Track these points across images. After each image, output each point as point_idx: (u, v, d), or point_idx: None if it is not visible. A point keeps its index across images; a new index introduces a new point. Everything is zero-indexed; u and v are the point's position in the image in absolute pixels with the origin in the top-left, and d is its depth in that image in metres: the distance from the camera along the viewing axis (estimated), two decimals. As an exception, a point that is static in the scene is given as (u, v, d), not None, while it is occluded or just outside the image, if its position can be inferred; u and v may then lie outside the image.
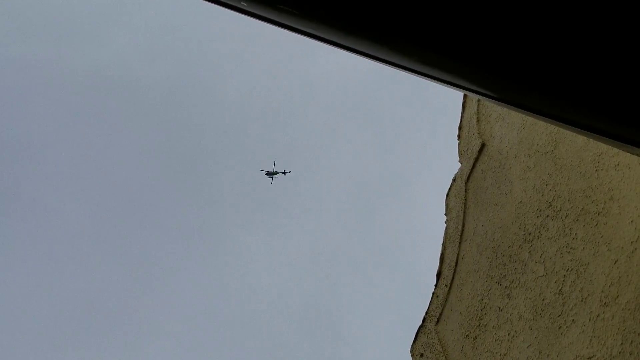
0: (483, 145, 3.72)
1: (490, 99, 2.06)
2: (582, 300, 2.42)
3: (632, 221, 2.28)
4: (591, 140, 2.60)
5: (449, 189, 4.04)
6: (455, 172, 4.03)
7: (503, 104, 2.10)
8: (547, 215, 2.83)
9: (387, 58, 1.87)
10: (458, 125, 4.20)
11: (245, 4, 1.78)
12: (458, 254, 3.53)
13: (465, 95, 4.05)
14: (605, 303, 2.29)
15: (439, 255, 3.76)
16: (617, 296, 2.24)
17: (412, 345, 3.59)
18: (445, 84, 1.98)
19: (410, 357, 3.55)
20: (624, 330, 2.16)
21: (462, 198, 3.75)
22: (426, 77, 1.96)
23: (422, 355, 3.48)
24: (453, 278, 3.48)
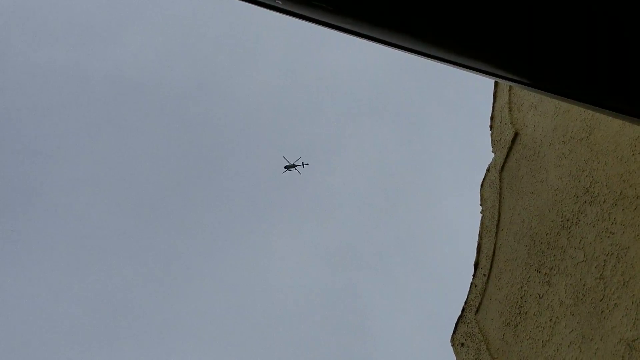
0: (516, 134, 3.73)
1: (524, 86, 2.08)
2: (623, 284, 2.43)
3: (671, 203, 2.30)
4: (627, 124, 2.61)
5: (483, 179, 4.04)
6: (489, 163, 4.03)
7: (537, 90, 2.12)
8: (585, 201, 2.83)
9: (419, 48, 1.89)
10: (490, 115, 4.20)
11: (280, 2, 1.82)
12: (495, 244, 3.54)
13: (496, 85, 4.06)
14: (647, 285, 2.31)
15: (476, 245, 3.76)
16: (659, 278, 2.26)
17: (452, 336, 3.60)
18: (478, 72, 2.00)
19: (452, 347, 3.57)
20: (667, 311, 2.18)
21: (497, 188, 3.76)
22: (458, 66, 1.98)
23: (462, 345, 3.49)
24: (491, 267, 3.49)
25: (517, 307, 3.14)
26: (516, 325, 3.09)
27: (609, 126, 2.75)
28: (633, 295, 2.36)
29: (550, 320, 2.84)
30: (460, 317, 3.64)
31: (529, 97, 3.64)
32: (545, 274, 2.98)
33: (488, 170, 4.04)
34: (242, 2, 1.95)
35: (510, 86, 3.83)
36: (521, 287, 3.15)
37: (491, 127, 4.15)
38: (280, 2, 1.83)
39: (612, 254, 2.55)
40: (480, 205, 3.96)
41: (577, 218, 2.85)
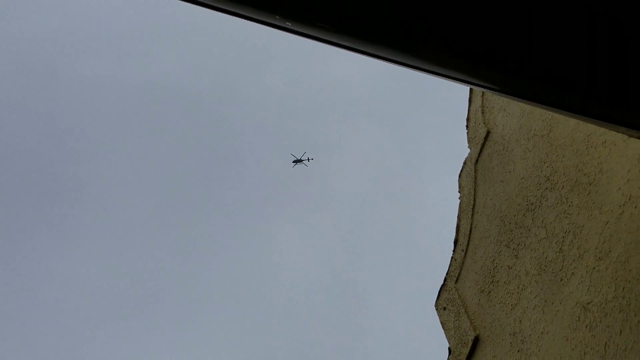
0: (488, 133, 3.73)
1: (494, 92, 2.08)
2: (579, 257, 2.44)
3: (619, 188, 2.30)
4: (581, 122, 2.62)
5: (461, 170, 4.05)
6: (466, 157, 4.04)
7: (505, 95, 2.12)
8: (546, 188, 2.84)
9: (406, 62, 1.89)
10: (466, 117, 4.21)
11: (289, 24, 1.82)
12: (471, 224, 3.55)
13: (471, 91, 4.06)
14: (599, 257, 2.30)
15: (455, 226, 3.77)
16: (609, 251, 2.25)
17: (436, 301, 3.61)
18: (456, 81, 2.00)
19: (435, 311, 3.59)
20: (616, 279, 2.17)
21: (472, 177, 3.77)
22: (440, 76, 1.98)
23: (445, 308, 3.51)
24: (468, 244, 3.50)
25: (490, 276, 3.15)
26: (489, 292, 3.10)
27: (566, 124, 2.76)
28: (587, 265, 2.37)
29: (517, 288, 2.85)
30: (442, 285, 3.65)
31: (498, 101, 3.64)
32: (513, 248, 3.00)
33: (465, 162, 4.05)
34: (257, 24, 1.94)
35: (483, 92, 3.83)
36: (493, 260, 3.17)
37: (467, 126, 4.15)
38: (290, 24, 1.82)
39: (569, 231, 2.56)
40: (459, 192, 3.97)
41: (539, 202, 2.86)
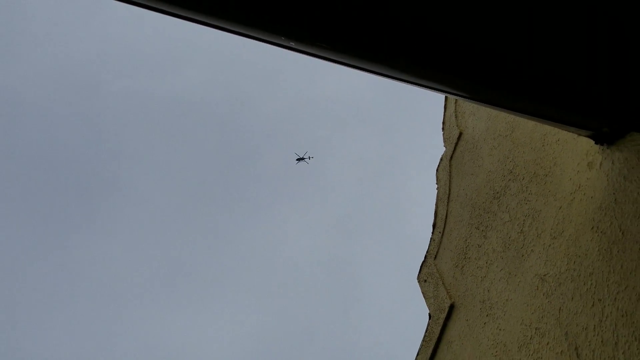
0: (460, 134, 3.73)
1: (465, 99, 2.08)
2: (537, 236, 2.44)
3: (570, 179, 2.30)
4: (538, 124, 2.61)
5: (438, 165, 4.04)
6: (442, 154, 4.03)
7: (474, 101, 2.12)
8: (509, 179, 2.84)
9: (393, 75, 1.89)
10: (442, 120, 4.20)
11: (293, 44, 1.81)
12: (447, 210, 3.55)
13: (446, 99, 4.05)
14: (554, 237, 2.31)
15: (434, 211, 3.77)
16: (563, 231, 2.25)
17: (418, 275, 3.62)
18: (434, 90, 2.00)
19: (418, 283, 3.59)
20: (568, 254, 2.17)
21: (448, 171, 3.77)
22: (420, 87, 1.98)
23: (425, 281, 3.51)
24: (444, 227, 3.50)
25: (463, 253, 3.15)
26: (462, 267, 3.10)
27: (526, 126, 2.75)
28: (544, 243, 2.37)
29: (486, 263, 2.85)
30: (423, 262, 3.65)
31: (469, 107, 3.64)
32: (482, 230, 2.99)
33: (441, 159, 4.04)
34: (264, 43, 1.92)
35: (455, 100, 3.82)
36: (465, 240, 3.17)
37: (443, 129, 4.15)
38: (293, 44, 1.82)
39: (529, 215, 2.56)
40: (436, 183, 3.96)
41: (504, 191, 2.86)
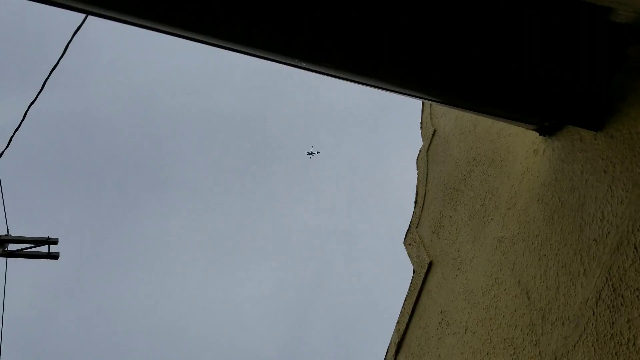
0: (435, 131, 3.74)
1: (438, 103, 2.12)
2: (495, 208, 2.48)
3: (520, 163, 2.33)
4: (495, 121, 2.65)
5: (418, 156, 4.06)
6: (421, 147, 4.06)
7: (445, 105, 2.16)
8: (473, 165, 2.86)
9: (383, 87, 1.93)
10: (420, 121, 4.21)
11: (304, 64, 1.85)
12: (425, 190, 3.58)
13: (423, 104, 4.07)
14: (508, 208, 2.34)
15: (415, 191, 3.81)
16: (515, 203, 2.29)
17: (404, 240, 3.66)
18: (414, 98, 2.04)
19: (404, 246, 3.64)
20: (520, 221, 2.22)
21: (425, 160, 3.79)
22: (404, 95, 2.01)
23: (410, 244, 3.55)
24: (424, 203, 3.53)
25: (438, 222, 3.19)
26: (438, 232, 3.15)
27: (485, 123, 2.78)
28: (501, 213, 2.40)
29: (456, 229, 2.89)
30: (407, 230, 3.69)
31: (441, 110, 3.65)
32: (453, 204, 3.03)
33: (420, 151, 4.06)
34: (278, 63, 1.94)
35: (430, 104, 3.84)
36: (440, 212, 3.20)
37: (421, 127, 4.16)
38: (304, 64, 1.86)
39: (488, 192, 2.59)
40: (417, 170, 3.99)
41: (469, 174, 2.89)
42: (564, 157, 1.99)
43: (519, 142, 2.37)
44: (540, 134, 2.15)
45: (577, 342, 1.65)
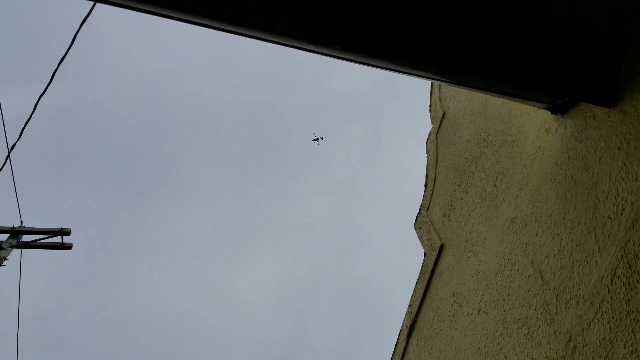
0: (444, 113, 3.72)
1: (448, 84, 2.09)
2: (507, 188, 2.46)
3: (532, 142, 2.31)
4: (505, 100, 2.62)
5: (427, 139, 4.04)
6: (430, 130, 4.04)
7: (455, 85, 2.13)
8: (484, 146, 2.85)
9: (395, 68, 1.91)
10: (429, 104, 4.19)
11: (312, 47, 1.84)
12: (435, 173, 3.57)
13: (432, 86, 4.03)
14: (520, 188, 2.33)
15: (425, 174, 3.80)
16: (527, 183, 2.28)
17: (414, 223, 3.65)
18: (424, 79, 2.02)
19: (414, 230, 3.63)
20: (532, 201, 2.21)
21: (435, 143, 3.77)
22: (412, 75, 1.99)
23: (420, 228, 3.55)
24: (434, 185, 3.52)
25: (449, 205, 3.18)
26: (449, 215, 3.14)
27: (495, 103, 2.76)
28: (513, 194, 2.39)
29: (467, 212, 2.88)
30: (418, 213, 3.68)
31: (450, 91, 3.63)
32: (463, 187, 3.02)
33: (429, 134, 4.04)
34: (291, 48, 1.93)
35: (439, 85, 3.81)
36: (451, 195, 3.19)
37: (430, 110, 4.13)
38: (312, 47, 1.84)
39: (500, 172, 2.58)
40: (426, 153, 3.97)
41: (479, 155, 2.87)
42: (576, 135, 1.96)
43: (531, 121, 2.35)
44: (552, 113, 2.12)
45: (592, 320, 1.65)
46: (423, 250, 3.40)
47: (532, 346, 1.95)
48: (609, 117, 1.80)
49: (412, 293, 3.43)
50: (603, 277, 1.65)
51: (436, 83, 3.86)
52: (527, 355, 1.97)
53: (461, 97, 3.40)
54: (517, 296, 2.15)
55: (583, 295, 1.73)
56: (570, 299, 1.79)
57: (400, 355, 3.39)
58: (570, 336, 1.74)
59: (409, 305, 3.40)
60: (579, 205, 1.86)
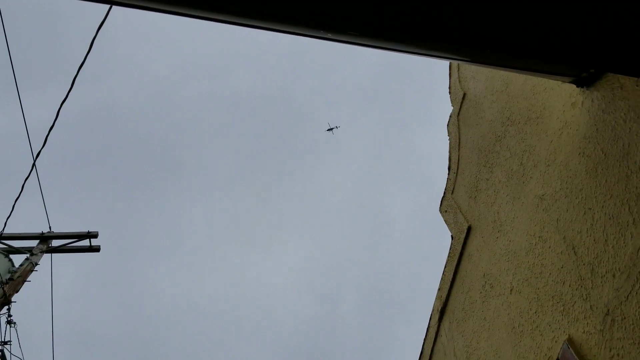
0: (464, 94, 3.69)
1: (468, 63, 2.07)
2: (534, 166, 2.44)
3: (557, 118, 2.28)
4: (528, 77, 2.59)
5: (448, 121, 4.01)
6: (451, 112, 4.01)
7: (475, 64, 2.11)
8: (508, 124, 2.82)
9: (411, 50, 1.90)
10: (448, 86, 4.15)
11: (330, 35, 1.84)
12: (459, 155, 3.54)
13: (450, 67, 3.99)
14: (548, 164, 2.31)
15: (448, 157, 3.77)
16: (555, 159, 2.26)
17: (440, 207, 3.64)
18: (442, 58, 2.00)
19: (440, 213, 3.62)
20: (561, 177, 2.19)
21: (456, 124, 3.74)
22: (433, 57, 1.98)
23: (446, 211, 3.54)
24: (458, 167, 3.50)
25: (474, 187, 3.16)
26: (475, 197, 3.12)
27: (517, 80, 2.72)
28: (540, 170, 2.37)
29: (494, 192, 2.86)
30: (443, 197, 3.67)
31: (469, 72, 3.59)
32: (489, 167, 3.00)
33: (450, 116, 4.01)
34: (301, 36, 1.92)
35: (458, 66, 3.77)
36: (476, 176, 3.17)
37: (450, 92, 4.10)
38: (330, 35, 1.84)
39: (526, 150, 2.56)
40: (448, 136, 3.95)
41: (504, 134, 2.85)
42: (604, 107, 1.93)
43: (555, 96, 2.32)
44: (577, 86, 2.09)
45: (629, 292, 1.64)
46: (450, 234, 3.39)
47: (568, 322, 1.95)
48: (638, 86, 1.77)
49: (440, 277, 3.43)
50: (639, 248, 1.63)
51: (454, 64, 3.82)
52: (564, 332, 1.96)
53: (481, 77, 3.36)
54: (550, 273, 2.13)
55: (619, 268, 1.71)
56: (606, 272, 1.78)
57: (433, 339, 3.41)
58: (608, 310, 1.73)
59: (439, 289, 3.41)
60: (610, 178, 1.84)
